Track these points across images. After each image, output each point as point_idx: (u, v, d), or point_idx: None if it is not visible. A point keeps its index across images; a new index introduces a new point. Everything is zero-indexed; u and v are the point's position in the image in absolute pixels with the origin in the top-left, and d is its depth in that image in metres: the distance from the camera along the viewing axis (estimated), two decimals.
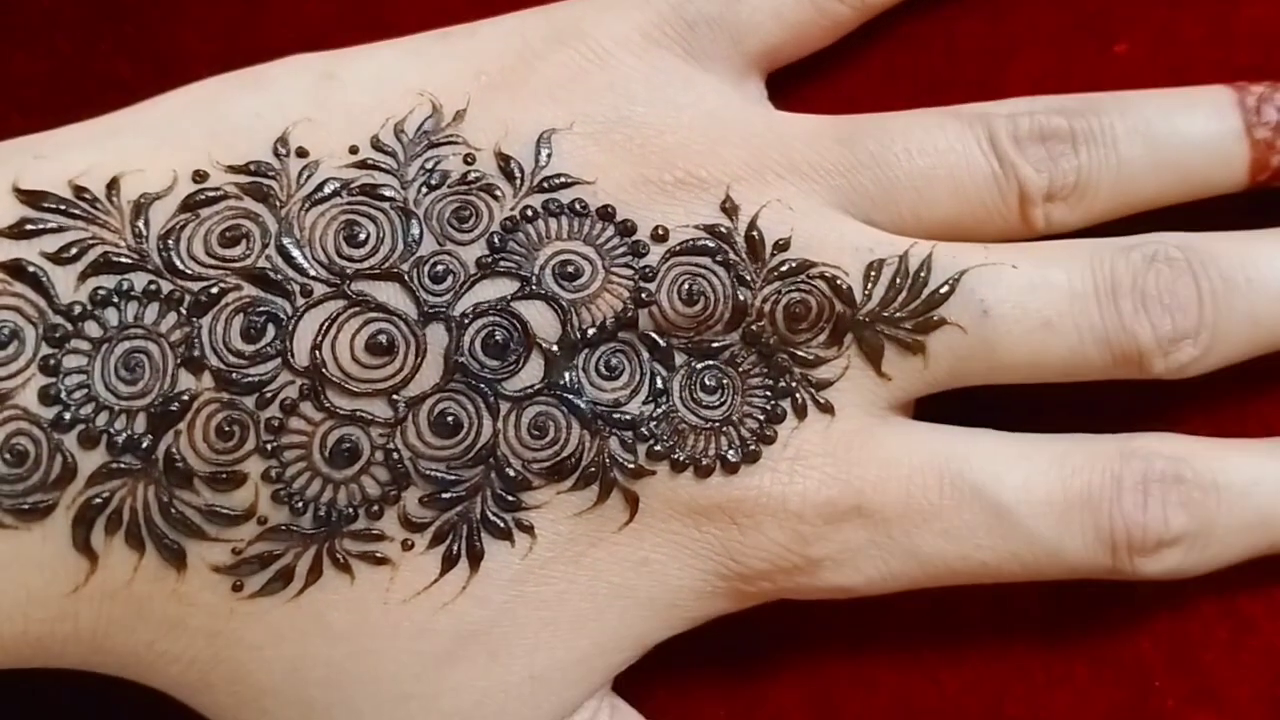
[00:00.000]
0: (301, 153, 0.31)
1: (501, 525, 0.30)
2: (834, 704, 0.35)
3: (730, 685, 0.35)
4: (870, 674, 0.35)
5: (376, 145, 0.31)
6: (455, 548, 0.30)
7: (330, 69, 0.32)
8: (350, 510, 0.29)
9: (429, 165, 0.31)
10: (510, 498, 0.30)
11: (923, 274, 0.31)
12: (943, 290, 0.31)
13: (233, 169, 0.30)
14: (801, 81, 0.36)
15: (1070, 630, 0.34)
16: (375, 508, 0.30)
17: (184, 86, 0.32)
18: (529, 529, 0.30)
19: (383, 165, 0.31)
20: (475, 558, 0.30)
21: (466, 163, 0.31)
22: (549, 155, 0.31)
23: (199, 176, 0.30)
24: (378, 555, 0.30)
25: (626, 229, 0.31)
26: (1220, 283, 0.31)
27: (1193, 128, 0.32)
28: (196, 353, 0.29)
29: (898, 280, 0.31)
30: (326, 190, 0.30)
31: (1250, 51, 0.35)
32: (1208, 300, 0.31)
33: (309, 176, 0.30)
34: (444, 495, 0.30)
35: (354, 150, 0.31)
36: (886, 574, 0.32)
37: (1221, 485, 0.32)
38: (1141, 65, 0.35)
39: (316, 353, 0.29)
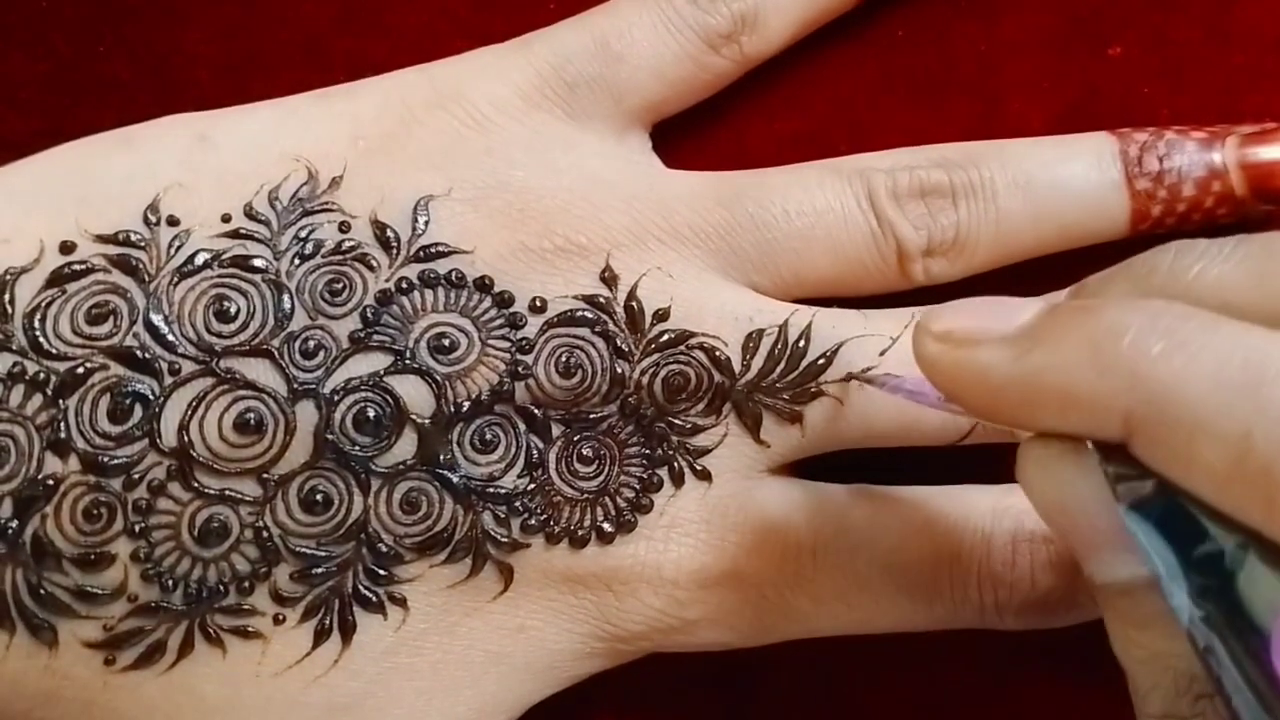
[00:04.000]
0: (172, 221, 0.30)
1: (373, 599, 0.30)
2: (830, 699, 0.36)
3: (726, 681, 0.36)
4: (867, 670, 0.35)
5: (250, 213, 0.31)
6: (327, 621, 0.30)
7: (204, 131, 0.31)
8: (221, 587, 0.30)
9: (303, 234, 0.30)
10: (382, 572, 0.30)
11: (801, 344, 0.31)
12: (820, 362, 0.31)
13: (101, 238, 0.30)
14: (798, 85, 0.36)
15: (1070, 626, 0.34)
16: (246, 584, 0.30)
17: (58, 146, 0.32)
18: (401, 602, 0.30)
19: (255, 235, 0.30)
20: (347, 631, 0.30)
21: (342, 231, 0.31)
22: (426, 222, 0.31)
23: (66, 248, 0.30)
24: (249, 629, 0.30)
25: (504, 300, 0.31)
26: None
27: (1073, 179, 0.32)
28: (63, 435, 0.29)
29: (776, 351, 0.31)
30: (197, 262, 0.30)
31: (1244, 52, 0.35)
32: None
33: (179, 247, 0.30)
34: (314, 571, 0.30)
35: (226, 218, 0.30)
36: (762, 631, 0.33)
37: None
38: (1135, 67, 0.35)
39: (184, 433, 0.29)
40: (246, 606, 0.30)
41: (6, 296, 0.29)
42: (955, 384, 0.25)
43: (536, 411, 0.31)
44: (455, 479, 0.30)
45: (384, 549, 0.30)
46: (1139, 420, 0.22)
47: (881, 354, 0.31)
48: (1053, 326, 0.24)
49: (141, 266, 0.30)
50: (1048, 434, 0.24)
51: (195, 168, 0.31)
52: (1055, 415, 0.24)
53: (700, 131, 0.35)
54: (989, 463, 0.34)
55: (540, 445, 0.31)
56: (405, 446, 0.30)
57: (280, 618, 0.30)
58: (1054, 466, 0.24)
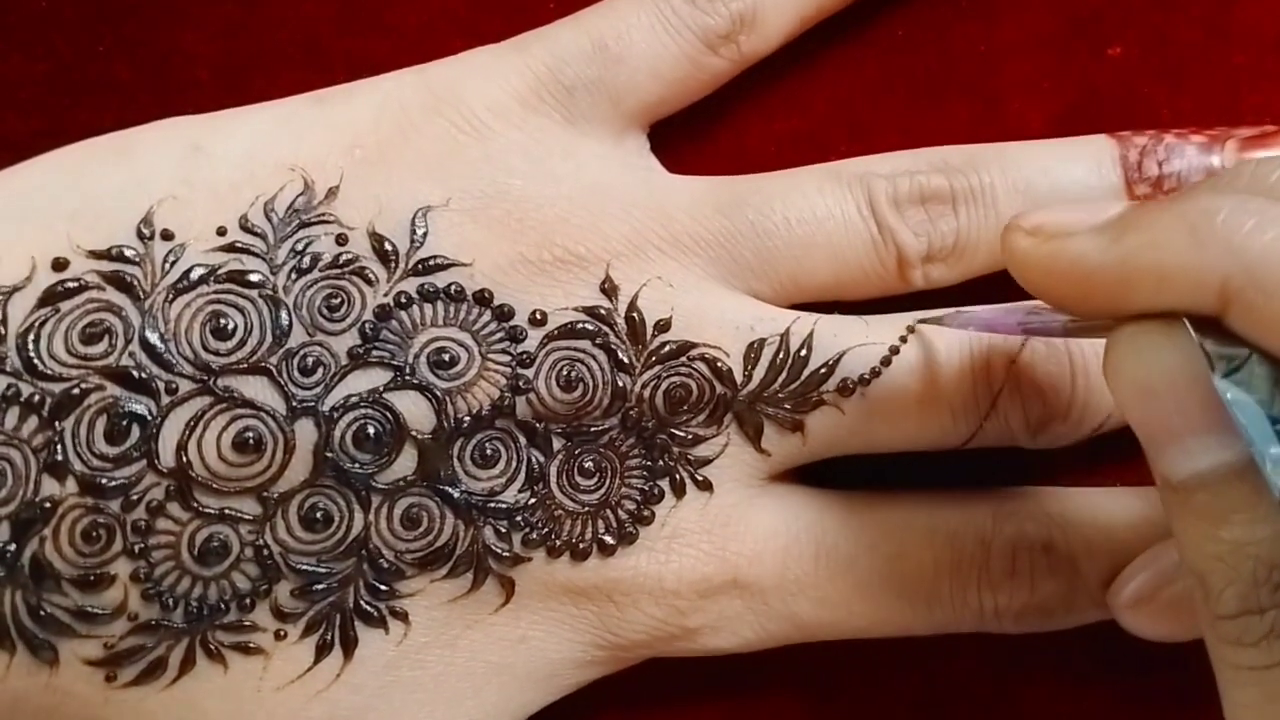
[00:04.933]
0: (167, 235, 0.30)
1: (375, 614, 0.30)
2: (830, 702, 0.36)
3: (727, 686, 0.36)
4: (867, 672, 0.36)
5: (245, 226, 0.30)
6: (328, 636, 0.30)
7: (198, 140, 0.31)
8: (221, 604, 0.30)
9: (299, 247, 0.30)
10: (383, 587, 0.30)
11: (803, 353, 0.31)
12: (822, 371, 0.31)
13: (94, 254, 0.30)
14: (798, 85, 0.35)
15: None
16: (247, 601, 0.30)
17: (49, 153, 0.31)
18: (403, 616, 0.30)
19: (251, 248, 0.30)
20: (349, 646, 0.30)
21: (339, 244, 0.30)
22: (425, 234, 0.30)
23: (59, 265, 0.29)
24: (250, 645, 0.30)
25: (504, 314, 0.30)
26: (1094, 359, 0.32)
27: (1073, 185, 0.32)
28: (59, 457, 0.29)
29: (778, 360, 0.31)
30: (193, 277, 0.30)
31: (1244, 52, 0.35)
32: (1080, 381, 0.32)
33: (174, 262, 0.30)
34: (315, 587, 0.30)
35: (221, 231, 0.30)
36: (764, 636, 0.33)
37: (1093, 550, 0.32)
38: (1135, 67, 0.35)
39: (182, 453, 0.29)
40: (247, 623, 0.30)
41: None
42: (1048, 275, 0.26)
43: (537, 425, 0.31)
44: (456, 494, 0.30)
45: (385, 565, 0.30)
46: (1236, 289, 0.23)
47: (883, 362, 0.31)
48: (1145, 212, 0.25)
49: (136, 283, 0.29)
50: (1139, 317, 0.25)
51: (189, 179, 0.30)
52: (1151, 293, 0.24)
53: (700, 132, 0.35)
54: (989, 468, 0.34)
55: (541, 459, 0.31)
56: (405, 463, 0.30)
57: (281, 633, 0.30)
58: (1147, 344, 0.25)
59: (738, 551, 0.32)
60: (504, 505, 0.30)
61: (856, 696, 0.36)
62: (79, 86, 0.35)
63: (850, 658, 0.35)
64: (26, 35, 0.35)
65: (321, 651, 0.30)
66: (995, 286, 0.33)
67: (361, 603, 0.30)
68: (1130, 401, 0.25)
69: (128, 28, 0.35)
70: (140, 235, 0.30)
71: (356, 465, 0.30)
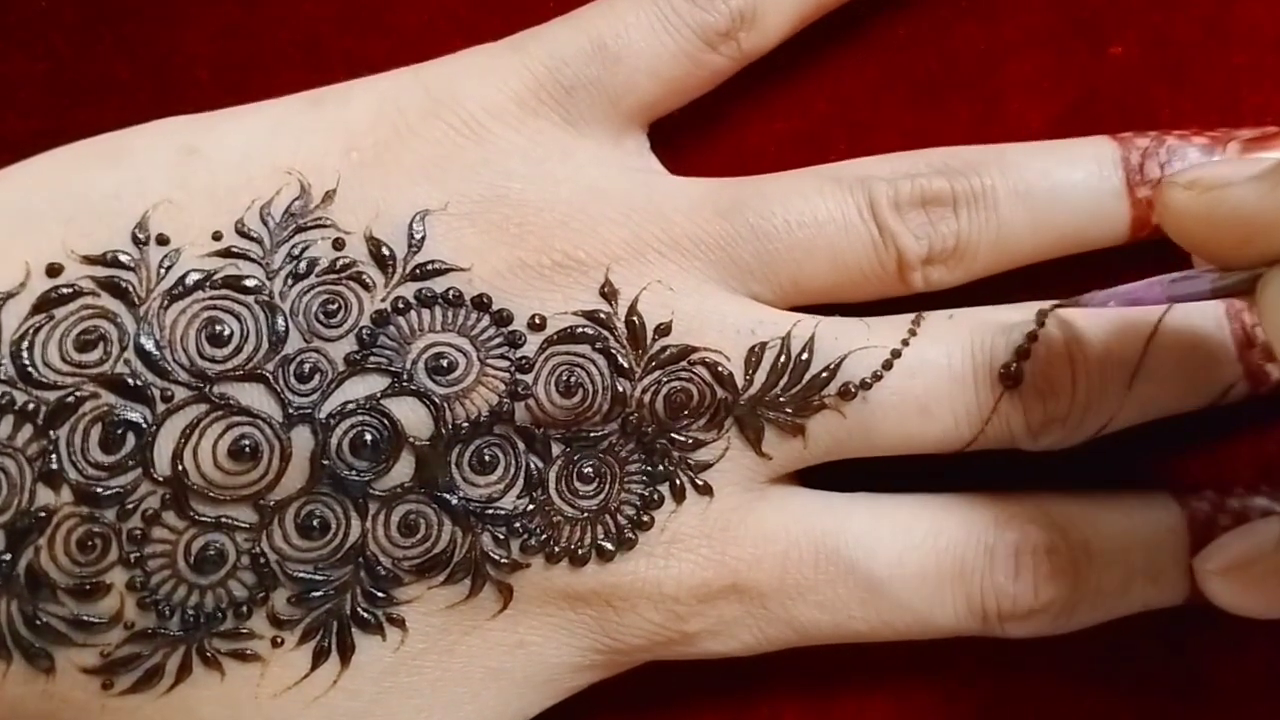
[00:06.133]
0: (162, 240, 0.30)
1: (372, 620, 0.30)
2: (829, 705, 0.36)
3: (725, 688, 0.36)
4: (866, 673, 0.36)
5: (241, 231, 0.30)
6: (325, 643, 0.30)
7: (193, 142, 0.31)
8: (218, 612, 0.29)
9: (296, 252, 0.30)
10: (380, 594, 0.30)
11: (805, 357, 0.31)
12: (823, 375, 0.31)
13: (89, 260, 0.29)
14: (798, 85, 0.35)
15: None
16: (243, 609, 0.29)
17: (42, 154, 0.31)
18: (400, 622, 0.30)
19: (248, 253, 0.30)
20: (346, 652, 0.30)
21: (336, 248, 0.30)
22: (422, 239, 0.30)
23: (53, 270, 0.29)
24: (247, 652, 0.30)
25: (502, 319, 0.30)
26: (1096, 363, 0.31)
27: (1074, 188, 0.32)
28: (54, 466, 0.28)
29: (779, 364, 0.31)
30: (188, 283, 0.29)
31: (1245, 52, 0.35)
32: (1082, 383, 0.31)
33: (169, 268, 0.29)
34: (312, 594, 0.30)
35: (218, 236, 0.30)
36: (763, 640, 0.33)
37: (1095, 554, 0.32)
38: (1136, 67, 0.35)
39: (178, 461, 0.29)
40: (244, 630, 0.30)
41: None
42: (1207, 225, 0.27)
43: (536, 431, 0.30)
44: (454, 501, 0.30)
45: (382, 571, 0.30)
46: None
47: (885, 366, 0.31)
48: None
49: (131, 289, 0.29)
50: None
51: (185, 183, 0.30)
52: None
53: (700, 131, 0.35)
54: (991, 472, 0.34)
55: (540, 465, 0.31)
56: (403, 469, 0.30)
57: (278, 640, 0.30)
58: None
59: (737, 556, 0.32)
60: (502, 512, 0.30)
61: (855, 698, 0.36)
62: (79, 86, 0.35)
63: (849, 660, 0.35)
64: (26, 35, 0.35)
65: (319, 658, 0.30)
66: (996, 289, 0.33)
67: (359, 609, 0.30)
68: None
69: (128, 28, 0.35)
70: (135, 240, 0.30)
71: (354, 473, 0.29)
